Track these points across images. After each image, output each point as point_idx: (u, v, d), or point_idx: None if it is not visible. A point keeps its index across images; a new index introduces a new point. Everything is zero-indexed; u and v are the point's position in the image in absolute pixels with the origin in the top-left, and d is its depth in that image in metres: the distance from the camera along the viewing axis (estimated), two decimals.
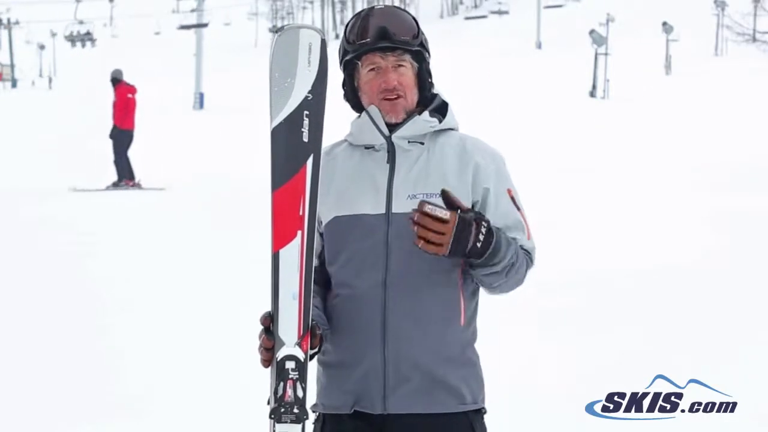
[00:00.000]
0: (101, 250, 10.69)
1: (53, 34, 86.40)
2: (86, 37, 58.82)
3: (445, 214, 2.49)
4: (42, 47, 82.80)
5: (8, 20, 70.16)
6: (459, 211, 2.53)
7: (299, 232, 2.58)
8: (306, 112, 2.60)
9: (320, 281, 2.79)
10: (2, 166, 19.23)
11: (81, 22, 58.46)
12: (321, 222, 2.77)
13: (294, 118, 2.59)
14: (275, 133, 2.59)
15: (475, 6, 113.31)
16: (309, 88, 2.60)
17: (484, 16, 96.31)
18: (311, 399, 2.64)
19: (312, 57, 2.60)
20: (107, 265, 9.85)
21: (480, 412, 2.75)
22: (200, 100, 36.02)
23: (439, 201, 2.61)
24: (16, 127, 28.42)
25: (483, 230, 2.54)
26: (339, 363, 2.73)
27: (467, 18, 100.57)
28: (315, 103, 2.61)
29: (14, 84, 63.95)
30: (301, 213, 2.58)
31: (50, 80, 63.31)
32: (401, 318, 2.65)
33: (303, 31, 2.61)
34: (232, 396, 5.74)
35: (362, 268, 2.69)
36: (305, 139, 2.60)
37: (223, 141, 24.12)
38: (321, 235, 2.78)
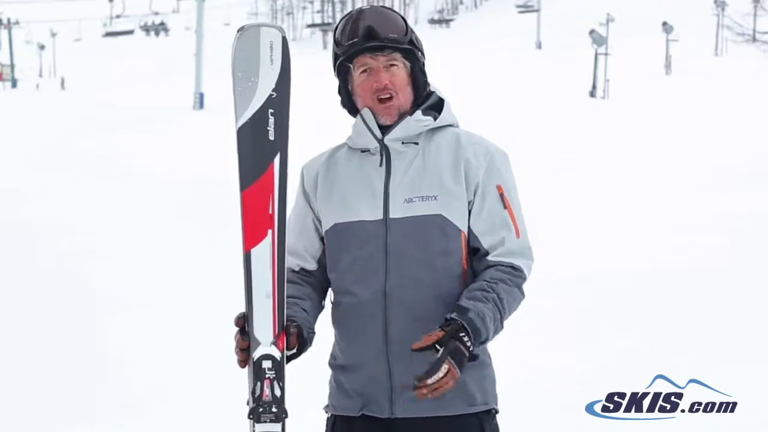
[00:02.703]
0: (101, 250, 10.69)
1: (53, 34, 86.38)
2: (160, 27, 59.84)
3: (442, 370, 2.43)
4: (42, 47, 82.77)
5: (8, 20, 70.12)
6: (440, 348, 2.45)
7: (270, 231, 2.58)
8: (271, 110, 2.59)
9: (316, 285, 2.77)
10: (2, 166, 19.21)
11: (156, 13, 59.84)
12: (323, 228, 2.76)
13: (259, 117, 2.59)
14: (241, 133, 2.59)
15: (476, 6, 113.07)
16: (273, 86, 2.59)
17: (451, 20, 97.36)
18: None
19: (274, 55, 2.59)
20: (107, 265, 9.84)
21: (490, 412, 2.72)
22: (200, 100, 35.92)
23: (434, 204, 2.62)
24: (16, 127, 28.39)
25: (465, 338, 2.48)
26: (346, 367, 2.73)
27: (431, 21, 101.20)
28: (279, 100, 2.60)
29: (14, 84, 63.83)
30: (270, 212, 2.58)
31: (62, 81, 62.60)
32: (403, 329, 2.62)
33: (264, 30, 2.60)
34: (227, 397, 5.73)
35: (362, 276, 2.66)
36: (271, 138, 2.59)
37: (223, 141, 24.08)
38: (322, 239, 2.77)
